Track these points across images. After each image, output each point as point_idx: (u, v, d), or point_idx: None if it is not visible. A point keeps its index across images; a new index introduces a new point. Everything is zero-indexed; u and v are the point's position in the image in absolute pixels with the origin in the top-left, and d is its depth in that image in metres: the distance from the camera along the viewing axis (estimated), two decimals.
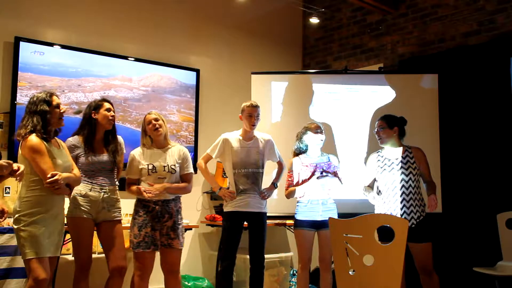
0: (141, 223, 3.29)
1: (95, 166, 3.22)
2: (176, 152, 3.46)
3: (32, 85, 4.22)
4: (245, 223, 3.76)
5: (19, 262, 3.52)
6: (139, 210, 3.34)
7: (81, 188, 3.16)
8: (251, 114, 3.71)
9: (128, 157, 3.47)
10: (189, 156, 3.55)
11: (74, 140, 3.24)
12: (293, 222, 3.91)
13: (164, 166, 3.37)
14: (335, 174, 3.83)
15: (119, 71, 4.78)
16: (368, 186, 3.80)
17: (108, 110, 3.28)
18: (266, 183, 3.86)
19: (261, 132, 3.91)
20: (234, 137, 3.79)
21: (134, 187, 3.35)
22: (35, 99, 2.91)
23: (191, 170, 3.53)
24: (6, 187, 4.00)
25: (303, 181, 3.81)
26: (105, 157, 3.27)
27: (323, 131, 3.90)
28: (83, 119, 3.31)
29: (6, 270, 3.55)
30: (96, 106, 3.29)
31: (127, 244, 3.41)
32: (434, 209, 3.50)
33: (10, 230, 3.57)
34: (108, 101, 3.34)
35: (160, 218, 3.31)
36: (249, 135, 3.78)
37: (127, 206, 3.66)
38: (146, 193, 3.27)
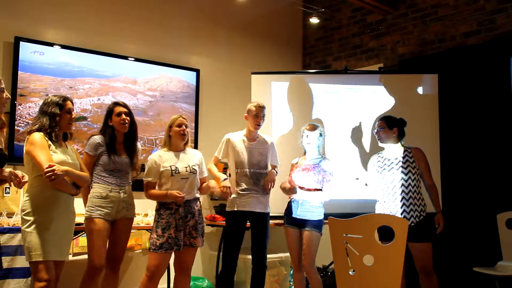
0: (165, 225, 3.31)
1: (115, 166, 3.29)
2: (193, 154, 3.55)
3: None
4: (248, 223, 3.77)
5: (19, 262, 3.53)
6: (162, 212, 3.36)
7: (101, 190, 3.22)
8: (258, 114, 3.73)
9: (147, 161, 3.50)
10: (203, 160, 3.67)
11: (99, 138, 3.30)
12: None
13: (186, 167, 3.42)
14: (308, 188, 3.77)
15: (122, 72, 4.73)
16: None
17: (119, 114, 3.32)
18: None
19: (265, 134, 3.93)
20: (238, 137, 3.80)
21: (164, 192, 3.34)
22: (49, 100, 2.96)
23: (207, 173, 3.69)
24: (6, 187, 4.00)
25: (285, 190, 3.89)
26: (124, 158, 3.35)
27: (313, 130, 3.83)
28: (103, 123, 3.39)
29: (6, 270, 3.55)
30: (108, 112, 3.36)
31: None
32: (440, 230, 3.59)
33: (10, 230, 3.58)
34: (119, 104, 3.38)
35: (183, 218, 3.35)
36: (253, 136, 3.80)
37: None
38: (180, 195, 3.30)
